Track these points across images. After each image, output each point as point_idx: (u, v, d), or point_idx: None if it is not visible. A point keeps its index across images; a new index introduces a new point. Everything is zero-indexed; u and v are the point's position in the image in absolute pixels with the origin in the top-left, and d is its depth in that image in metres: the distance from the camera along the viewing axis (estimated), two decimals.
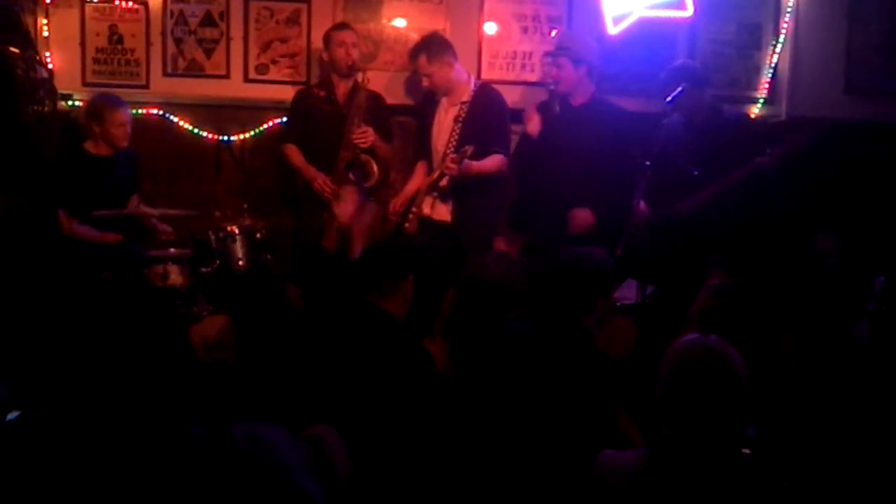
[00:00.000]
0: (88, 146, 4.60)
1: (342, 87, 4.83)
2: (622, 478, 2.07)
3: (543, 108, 4.73)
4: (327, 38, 4.86)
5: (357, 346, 3.08)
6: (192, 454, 1.66)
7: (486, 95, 4.72)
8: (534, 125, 4.65)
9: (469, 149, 4.42)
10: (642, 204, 4.35)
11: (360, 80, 4.72)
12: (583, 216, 4.52)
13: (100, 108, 4.57)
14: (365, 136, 4.67)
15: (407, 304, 3.27)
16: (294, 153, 4.84)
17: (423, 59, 4.67)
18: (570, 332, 3.01)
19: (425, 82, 4.72)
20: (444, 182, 4.59)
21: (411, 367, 3.07)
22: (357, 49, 4.82)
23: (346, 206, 4.68)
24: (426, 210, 4.69)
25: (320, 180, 4.68)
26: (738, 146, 4.45)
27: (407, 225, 4.64)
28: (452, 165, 4.44)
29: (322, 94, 4.86)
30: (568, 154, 4.52)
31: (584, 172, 4.48)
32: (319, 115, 4.80)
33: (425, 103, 4.91)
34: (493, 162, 4.59)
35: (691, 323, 3.06)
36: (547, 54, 4.88)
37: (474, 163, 4.48)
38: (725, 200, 4.39)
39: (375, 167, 4.71)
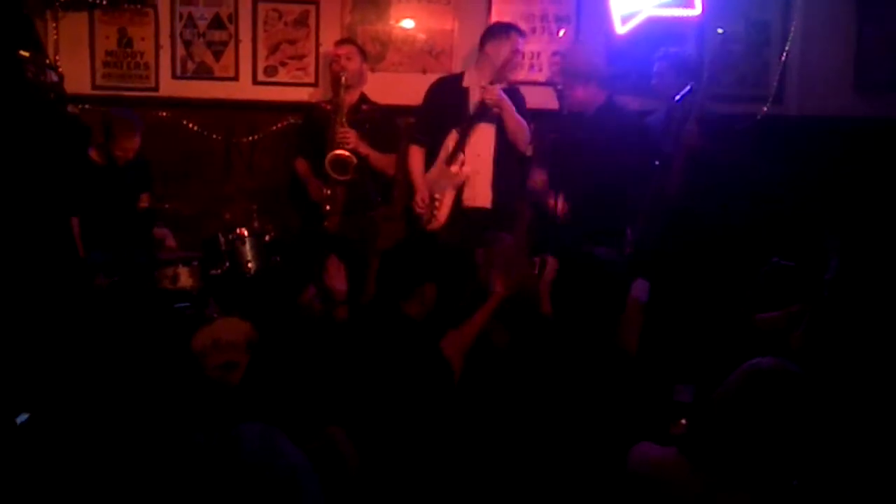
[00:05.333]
0: (93, 154, 4.63)
1: (346, 100, 4.84)
2: (653, 471, 2.09)
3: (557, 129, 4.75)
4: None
5: (376, 348, 3.10)
6: (193, 457, 1.67)
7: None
8: (539, 181, 4.65)
9: None
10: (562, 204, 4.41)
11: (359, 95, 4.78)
12: (538, 177, 4.59)
13: (114, 127, 4.59)
14: (346, 136, 4.67)
15: (427, 306, 3.27)
16: (301, 164, 4.92)
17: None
18: (597, 332, 3.02)
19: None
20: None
21: (427, 372, 3.08)
22: (353, 62, 4.81)
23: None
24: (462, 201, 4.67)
25: (314, 186, 4.75)
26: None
27: (435, 223, 4.60)
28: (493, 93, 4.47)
29: (328, 107, 4.88)
30: (583, 161, 4.52)
31: (598, 176, 4.48)
32: (325, 127, 4.83)
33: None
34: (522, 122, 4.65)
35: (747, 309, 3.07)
36: (549, 83, 4.89)
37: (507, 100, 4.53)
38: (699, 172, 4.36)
39: (352, 164, 4.67)
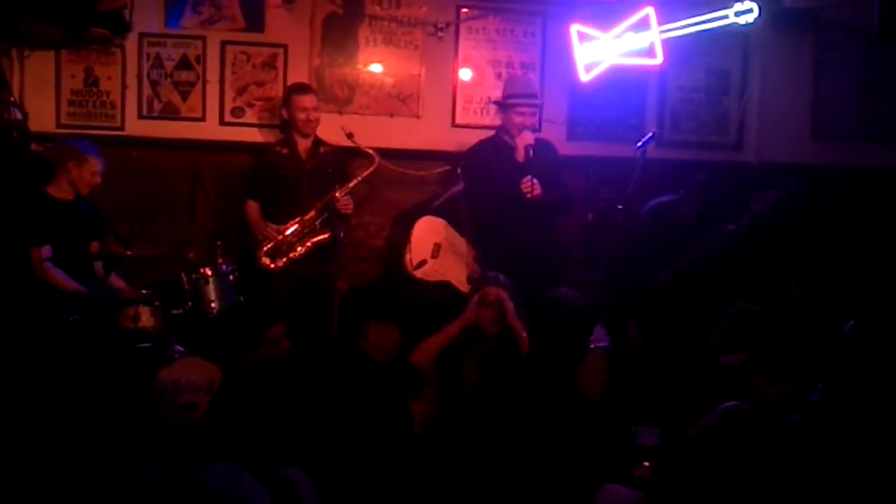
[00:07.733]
0: (51, 190, 4.56)
1: (303, 144, 4.87)
2: None
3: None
4: (288, 99, 4.92)
5: (338, 390, 3.09)
6: (159, 498, 1.64)
7: None
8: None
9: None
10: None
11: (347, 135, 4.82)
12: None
13: (83, 152, 4.53)
14: (348, 205, 4.79)
15: (387, 349, 3.28)
16: (253, 208, 4.88)
17: None
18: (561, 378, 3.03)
19: None
20: None
21: (389, 421, 3.08)
22: (318, 112, 4.87)
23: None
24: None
25: (266, 230, 4.78)
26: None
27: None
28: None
29: (285, 151, 4.89)
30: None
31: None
32: (284, 173, 4.83)
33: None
34: None
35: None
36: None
37: None
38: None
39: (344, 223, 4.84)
